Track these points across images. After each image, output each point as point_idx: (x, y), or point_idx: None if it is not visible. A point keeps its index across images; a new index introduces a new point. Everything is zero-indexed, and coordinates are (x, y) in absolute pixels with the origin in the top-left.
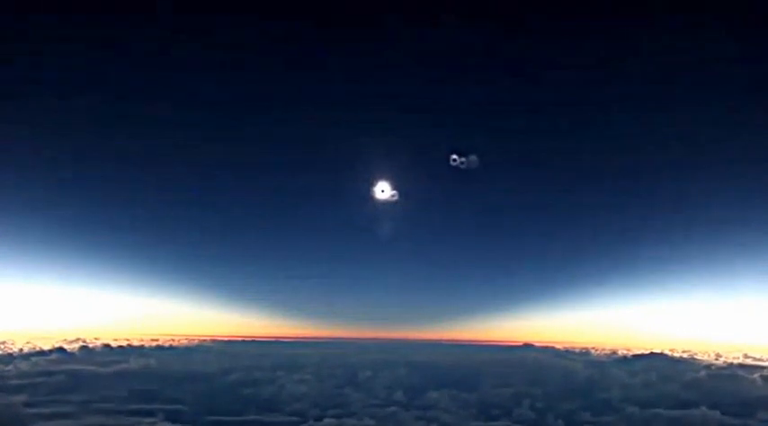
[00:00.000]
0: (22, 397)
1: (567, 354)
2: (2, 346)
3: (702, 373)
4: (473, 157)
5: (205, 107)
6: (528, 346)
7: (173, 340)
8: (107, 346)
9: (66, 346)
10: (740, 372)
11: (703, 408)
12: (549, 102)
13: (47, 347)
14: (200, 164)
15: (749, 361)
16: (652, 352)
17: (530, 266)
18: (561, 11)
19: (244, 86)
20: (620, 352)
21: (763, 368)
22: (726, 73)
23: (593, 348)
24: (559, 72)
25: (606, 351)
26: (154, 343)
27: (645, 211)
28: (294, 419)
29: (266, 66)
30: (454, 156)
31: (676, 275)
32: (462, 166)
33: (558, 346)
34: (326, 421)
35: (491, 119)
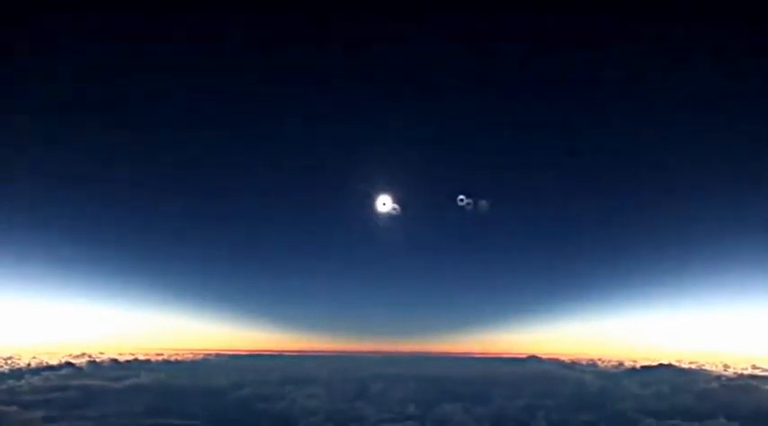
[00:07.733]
0: (39, 413)
1: (574, 366)
2: (9, 361)
3: (715, 384)
4: (483, 202)
5: (212, 125)
6: (533, 358)
7: (177, 354)
8: (114, 361)
9: (73, 361)
10: (753, 383)
11: (722, 419)
12: (551, 119)
13: (53, 362)
14: (203, 178)
15: (759, 372)
16: (661, 364)
17: (533, 277)
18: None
19: (244, 97)
20: (627, 364)
21: None
22: (719, 86)
23: (600, 359)
24: (553, 85)
25: (613, 363)
26: (160, 358)
27: (651, 222)
28: None
29: (269, 78)
30: (462, 197)
31: (679, 286)
32: (468, 208)
33: (563, 358)
34: None
35: (493, 133)
